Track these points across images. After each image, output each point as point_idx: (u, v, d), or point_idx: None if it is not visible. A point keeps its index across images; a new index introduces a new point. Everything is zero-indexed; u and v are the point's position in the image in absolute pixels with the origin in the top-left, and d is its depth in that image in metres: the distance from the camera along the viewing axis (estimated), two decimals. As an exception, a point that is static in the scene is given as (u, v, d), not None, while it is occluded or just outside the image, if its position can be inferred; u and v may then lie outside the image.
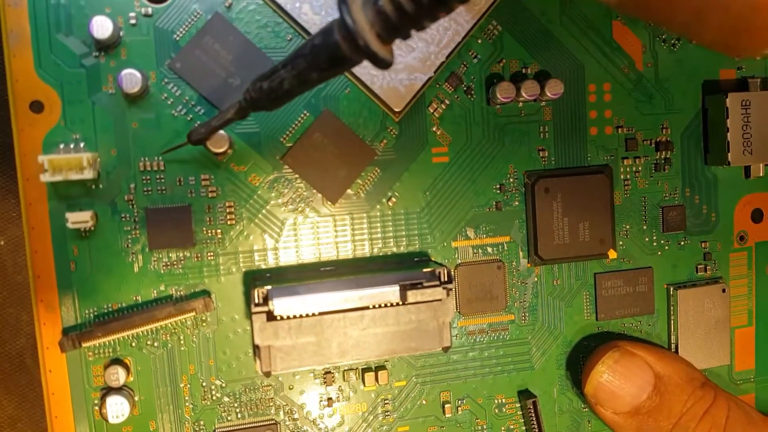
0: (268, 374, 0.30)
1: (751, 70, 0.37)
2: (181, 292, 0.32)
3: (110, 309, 0.32)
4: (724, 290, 0.37)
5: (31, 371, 0.40)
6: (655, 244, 0.37)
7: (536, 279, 0.36)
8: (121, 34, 0.31)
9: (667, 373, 0.34)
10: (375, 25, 0.22)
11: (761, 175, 0.38)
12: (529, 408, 0.35)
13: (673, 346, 0.37)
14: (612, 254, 0.36)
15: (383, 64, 0.22)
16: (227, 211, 0.32)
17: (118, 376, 0.31)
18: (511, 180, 0.35)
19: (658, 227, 0.37)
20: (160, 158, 0.31)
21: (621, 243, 0.36)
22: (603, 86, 0.36)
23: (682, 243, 0.37)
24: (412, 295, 0.31)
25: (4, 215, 0.39)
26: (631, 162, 0.36)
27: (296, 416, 0.34)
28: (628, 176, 0.36)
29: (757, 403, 0.39)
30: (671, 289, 0.37)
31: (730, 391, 0.36)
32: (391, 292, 0.31)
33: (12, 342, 0.39)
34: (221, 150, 0.31)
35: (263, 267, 0.33)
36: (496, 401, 0.36)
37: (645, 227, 0.37)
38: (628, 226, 0.36)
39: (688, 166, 0.37)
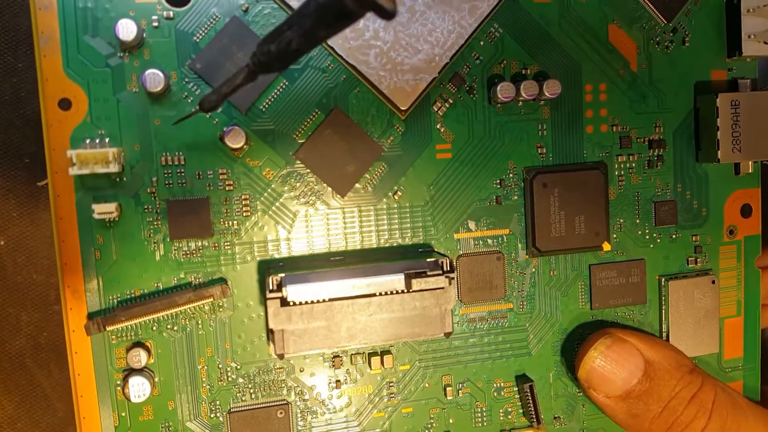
0: (281, 356, 0.32)
1: (741, 71, 0.39)
2: (200, 279, 0.34)
3: (133, 295, 0.34)
4: (713, 282, 0.39)
5: (31, 371, 0.40)
6: (647, 237, 0.39)
7: (534, 270, 0.38)
8: (145, 35, 0.32)
9: (657, 359, 0.36)
10: None
11: (750, 171, 0.39)
12: (526, 392, 0.37)
13: (664, 334, 0.39)
14: (606, 246, 0.38)
15: (387, 14, 0.22)
16: (243, 203, 0.34)
17: (139, 358, 0.33)
18: (511, 175, 0.37)
19: (650, 221, 0.39)
20: (181, 153, 0.33)
21: (615, 236, 0.38)
22: (599, 86, 0.38)
23: (674, 236, 0.39)
24: (417, 283, 0.33)
25: (4, 215, 0.40)
26: (625, 159, 0.38)
27: (306, 397, 0.36)
28: (622, 172, 0.38)
29: (744, 389, 0.41)
30: (663, 280, 0.39)
31: (719, 378, 0.38)
32: (397, 280, 0.33)
33: (12, 342, 0.40)
34: (238, 146, 0.33)
35: (276, 256, 0.35)
36: (495, 385, 0.38)
37: (638, 221, 0.38)
38: (621, 220, 0.38)
39: (679, 162, 0.39)
